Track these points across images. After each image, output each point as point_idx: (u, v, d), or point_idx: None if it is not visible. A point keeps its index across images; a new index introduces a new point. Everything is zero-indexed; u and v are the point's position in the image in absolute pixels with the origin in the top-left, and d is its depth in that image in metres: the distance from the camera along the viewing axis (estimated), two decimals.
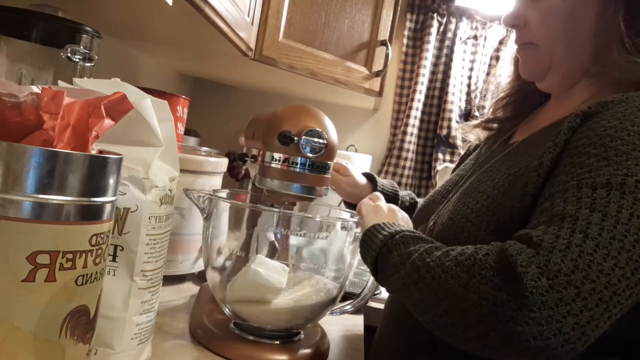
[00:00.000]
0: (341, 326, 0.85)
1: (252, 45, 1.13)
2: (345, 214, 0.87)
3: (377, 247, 0.63)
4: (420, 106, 1.82)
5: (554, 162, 0.57)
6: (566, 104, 0.69)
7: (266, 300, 0.67)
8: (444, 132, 1.81)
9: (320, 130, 0.75)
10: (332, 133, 0.78)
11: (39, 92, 0.39)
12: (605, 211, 0.48)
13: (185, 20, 0.88)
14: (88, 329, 0.42)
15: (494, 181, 0.64)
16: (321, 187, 0.79)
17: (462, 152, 1.04)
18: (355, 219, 0.73)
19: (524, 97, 0.83)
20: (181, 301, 0.84)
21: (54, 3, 0.71)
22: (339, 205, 1.22)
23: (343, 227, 0.72)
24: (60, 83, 0.51)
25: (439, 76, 1.83)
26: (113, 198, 0.43)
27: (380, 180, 1.07)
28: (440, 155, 1.82)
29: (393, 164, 1.83)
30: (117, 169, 0.43)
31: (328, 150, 0.76)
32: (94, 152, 0.42)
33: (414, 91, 1.81)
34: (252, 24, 1.09)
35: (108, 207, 0.42)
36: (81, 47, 0.69)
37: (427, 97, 1.84)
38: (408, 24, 1.84)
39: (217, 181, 0.98)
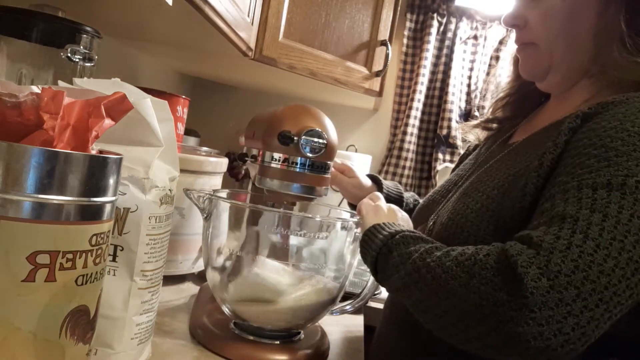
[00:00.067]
0: (341, 326, 0.85)
1: (252, 45, 1.13)
2: (345, 214, 0.87)
3: (377, 247, 0.63)
4: (420, 106, 1.82)
5: (554, 162, 0.57)
6: (566, 104, 0.69)
7: (268, 301, 0.67)
8: (444, 132, 1.81)
9: (320, 130, 0.75)
10: (332, 133, 0.78)
11: (39, 92, 0.39)
12: (606, 212, 0.48)
13: (185, 20, 0.88)
14: (88, 329, 0.42)
15: (494, 181, 0.64)
16: (321, 187, 0.79)
17: (462, 152, 1.04)
18: (355, 219, 0.73)
19: (523, 97, 0.83)
20: (181, 301, 0.84)
21: (54, 3, 0.71)
22: (339, 205, 1.22)
23: (343, 227, 0.72)
24: (60, 83, 0.51)
25: (439, 76, 1.83)
26: (113, 198, 0.43)
27: (385, 182, 1.07)
28: (440, 155, 1.83)
29: (393, 164, 1.83)
30: (117, 169, 0.43)
31: (328, 150, 0.76)
32: (94, 152, 0.42)
33: (414, 91, 1.81)
34: (252, 24, 1.09)
35: (108, 207, 0.42)
36: (81, 47, 0.69)
37: (427, 97, 1.84)
38: (408, 24, 1.84)
39: (217, 181, 0.98)
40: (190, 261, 0.92)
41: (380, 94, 1.49)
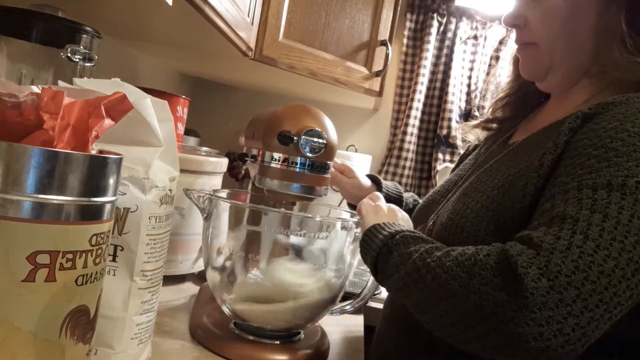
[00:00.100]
0: (341, 326, 0.85)
1: (252, 45, 1.13)
2: (345, 214, 0.87)
3: (377, 247, 0.63)
4: (420, 106, 1.82)
5: (554, 162, 0.57)
6: (566, 104, 0.69)
7: (282, 300, 0.67)
8: (444, 132, 1.81)
9: (319, 130, 0.75)
10: (332, 133, 0.78)
11: (39, 92, 0.39)
12: (606, 212, 0.48)
13: (185, 20, 0.88)
14: (88, 329, 0.42)
15: (494, 181, 0.64)
16: (321, 187, 0.79)
17: (462, 152, 1.04)
18: (355, 219, 0.73)
19: (523, 97, 0.83)
20: (181, 301, 0.84)
21: (54, 3, 0.71)
22: (339, 205, 1.22)
23: (343, 227, 0.72)
24: (60, 83, 0.51)
25: (439, 76, 1.83)
26: (113, 198, 0.43)
27: (385, 183, 1.07)
28: (440, 155, 1.83)
29: (393, 164, 1.83)
30: (117, 169, 0.43)
31: (328, 150, 0.76)
32: (94, 152, 0.42)
33: (414, 91, 1.81)
34: (252, 24, 1.09)
35: (108, 207, 0.42)
36: (81, 47, 0.69)
37: (427, 97, 1.84)
38: (408, 24, 1.84)
39: (217, 181, 0.98)
40: (190, 261, 0.92)
41: (380, 94, 1.49)
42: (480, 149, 0.87)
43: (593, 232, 0.47)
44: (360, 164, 1.73)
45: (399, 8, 1.47)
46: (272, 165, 0.76)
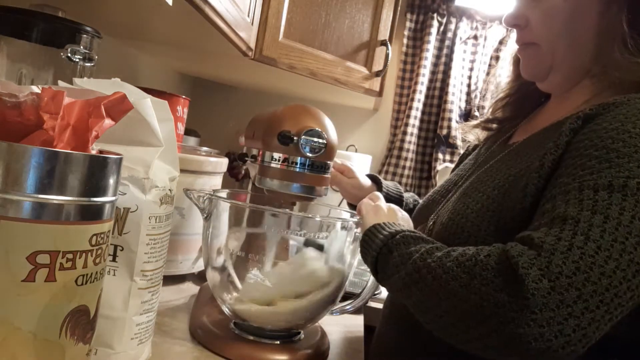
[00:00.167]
0: (341, 326, 0.85)
1: (252, 45, 1.13)
2: (345, 214, 0.87)
3: (377, 247, 0.63)
4: (420, 106, 1.82)
5: (555, 163, 0.57)
6: (567, 104, 0.69)
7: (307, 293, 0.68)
8: (444, 132, 1.81)
9: (319, 130, 0.75)
10: (332, 133, 0.78)
11: (39, 92, 0.39)
12: (607, 213, 0.48)
13: (185, 20, 0.88)
14: (88, 329, 0.42)
15: (494, 181, 0.64)
16: (321, 186, 0.79)
17: (462, 152, 1.04)
18: (355, 219, 0.73)
19: (523, 97, 0.83)
20: (181, 301, 0.84)
21: (54, 3, 0.71)
22: (339, 205, 1.22)
23: (343, 227, 0.72)
24: (60, 83, 0.51)
25: (439, 76, 1.83)
26: (113, 198, 0.43)
27: (385, 183, 1.07)
28: (440, 155, 1.83)
29: (393, 164, 1.83)
30: (117, 169, 0.43)
31: (328, 150, 0.76)
32: (94, 152, 0.42)
33: (414, 91, 1.81)
34: (252, 24, 1.09)
35: (108, 207, 0.42)
36: (81, 47, 0.69)
37: (427, 97, 1.84)
38: (408, 24, 1.84)
39: (217, 181, 0.98)
40: (190, 261, 0.92)
41: (380, 94, 1.49)
42: (480, 149, 0.86)
43: (594, 233, 0.47)
44: (360, 164, 1.72)
45: (399, 8, 1.47)
46: (272, 165, 0.76)
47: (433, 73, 1.84)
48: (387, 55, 1.43)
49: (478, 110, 1.78)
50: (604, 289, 0.45)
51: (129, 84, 0.53)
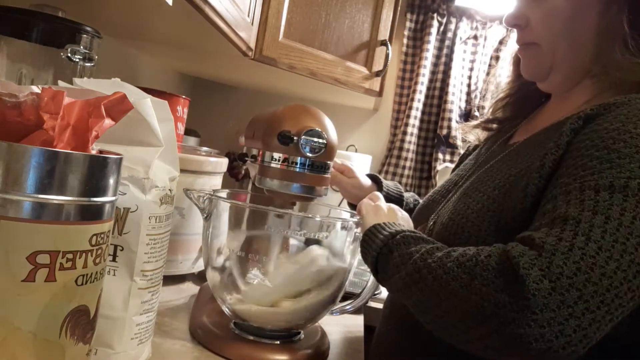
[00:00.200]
0: (341, 326, 0.85)
1: (252, 45, 1.13)
2: (345, 214, 0.87)
3: (377, 247, 0.63)
4: (420, 106, 1.82)
5: (555, 163, 0.57)
6: (567, 104, 0.69)
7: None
8: (444, 132, 1.81)
9: (319, 130, 0.75)
10: (332, 133, 0.78)
11: (39, 92, 0.39)
12: (608, 214, 0.48)
13: (185, 20, 0.88)
14: (88, 329, 0.42)
15: (495, 181, 0.64)
16: (321, 186, 0.79)
17: (462, 152, 1.04)
18: (355, 219, 0.73)
19: (524, 98, 0.83)
20: (181, 301, 0.84)
21: (54, 3, 0.71)
22: (339, 205, 1.22)
23: (343, 227, 0.72)
24: (60, 83, 0.51)
25: (439, 76, 1.83)
26: (113, 198, 0.43)
27: (385, 182, 1.07)
28: (440, 155, 1.82)
29: (393, 164, 1.83)
30: (117, 169, 0.43)
31: (328, 150, 0.76)
32: (94, 152, 0.42)
33: (414, 91, 1.81)
34: (252, 24, 1.09)
35: (108, 207, 0.42)
36: (81, 47, 0.69)
37: (427, 97, 1.84)
38: (408, 24, 1.84)
39: (217, 181, 0.98)
40: (190, 261, 0.92)
41: (380, 94, 1.49)
42: (480, 149, 0.86)
43: (595, 234, 0.47)
44: (360, 164, 1.72)
45: (399, 8, 1.47)
46: (272, 165, 0.76)
47: (433, 73, 1.84)
48: (387, 55, 1.43)
49: (478, 110, 1.78)
50: (605, 289, 0.45)
51: (129, 84, 0.53)
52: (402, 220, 0.72)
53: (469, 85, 1.84)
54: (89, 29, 0.71)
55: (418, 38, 1.86)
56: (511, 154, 0.69)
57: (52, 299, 0.38)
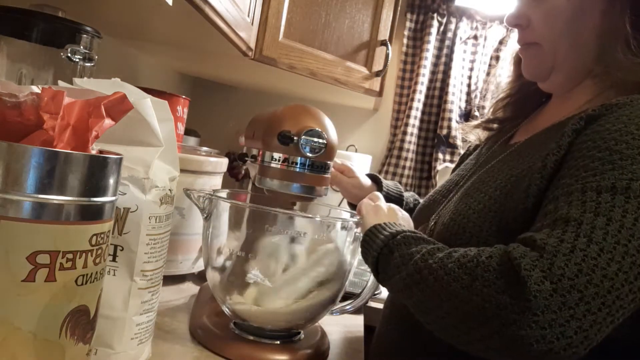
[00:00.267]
0: (341, 326, 0.85)
1: (252, 45, 1.13)
2: (345, 214, 0.87)
3: (378, 248, 0.63)
4: (420, 106, 1.82)
5: (557, 164, 0.57)
6: (568, 104, 0.69)
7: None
8: (444, 132, 1.81)
9: (319, 130, 0.75)
10: (332, 133, 0.78)
11: (39, 92, 0.39)
12: (610, 215, 0.48)
13: (185, 20, 0.88)
14: (88, 329, 0.42)
15: (496, 182, 0.64)
16: (321, 186, 0.79)
17: (462, 152, 1.04)
18: (355, 219, 0.73)
19: (524, 98, 0.83)
20: (181, 301, 0.84)
21: (54, 3, 0.71)
22: (339, 205, 1.22)
23: (343, 227, 0.72)
24: (60, 83, 0.51)
25: (439, 76, 1.83)
26: (113, 198, 0.43)
27: (385, 182, 1.07)
28: (440, 155, 1.82)
29: (393, 164, 1.83)
30: (117, 169, 0.43)
31: (328, 150, 0.76)
32: (94, 152, 0.42)
33: (414, 91, 1.81)
34: (252, 24, 1.09)
35: (108, 207, 0.42)
36: (81, 47, 0.69)
37: (427, 97, 1.84)
38: (408, 24, 1.84)
39: (217, 181, 0.98)
40: (190, 261, 0.92)
41: (380, 94, 1.49)
42: (481, 149, 0.86)
43: (597, 235, 0.47)
44: (360, 164, 1.72)
45: (399, 8, 1.47)
46: (272, 165, 0.76)
47: (433, 73, 1.84)
48: (387, 55, 1.43)
49: (478, 110, 1.78)
50: (606, 291, 0.45)
51: (129, 84, 0.53)
52: (403, 220, 0.72)
53: (469, 85, 1.84)
54: (89, 29, 0.71)
55: (418, 38, 1.86)
56: (512, 154, 0.69)
57: (52, 299, 0.38)
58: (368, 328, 0.92)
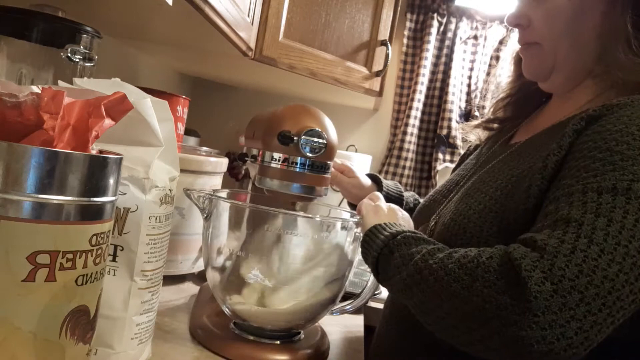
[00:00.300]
0: (341, 326, 0.85)
1: (252, 45, 1.13)
2: (345, 214, 0.87)
3: (378, 248, 0.63)
4: (420, 106, 1.82)
5: (558, 164, 0.57)
6: (569, 104, 0.69)
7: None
8: (444, 132, 1.81)
9: (319, 130, 0.75)
10: (332, 133, 0.78)
11: (39, 92, 0.39)
12: (611, 216, 0.48)
13: (185, 20, 0.88)
14: (88, 329, 0.42)
15: (497, 182, 0.64)
16: (321, 186, 0.79)
17: (462, 152, 1.04)
18: (355, 219, 0.73)
19: (525, 97, 0.82)
20: (181, 301, 0.84)
21: (54, 3, 0.71)
22: (339, 205, 1.22)
23: (343, 227, 0.72)
24: (60, 83, 0.51)
25: (439, 76, 1.83)
26: (113, 198, 0.43)
27: (385, 182, 1.07)
28: (440, 155, 1.83)
29: (393, 164, 1.83)
30: (117, 169, 0.43)
31: (328, 150, 0.76)
32: (94, 152, 0.42)
33: (414, 91, 1.81)
34: (252, 24, 1.09)
35: (108, 207, 0.42)
36: (81, 47, 0.69)
37: (427, 97, 1.84)
38: (408, 24, 1.84)
39: (217, 181, 0.98)
40: (190, 261, 0.92)
41: (380, 94, 1.49)
42: (481, 149, 0.86)
43: (597, 236, 0.47)
44: (360, 164, 1.72)
45: (399, 8, 1.47)
46: (272, 165, 0.76)
47: (433, 73, 1.84)
48: (387, 55, 1.43)
49: (478, 110, 1.78)
50: (607, 292, 0.45)
51: (129, 84, 0.53)
52: (403, 220, 0.72)
53: (469, 85, 1.84)
54: (89, 29, 0.71)
55: (418, 38, 1.86)
56: (513, 154, 0.69)
57: (52, 299, 0.38)
58: (368, 328, 0.92)
